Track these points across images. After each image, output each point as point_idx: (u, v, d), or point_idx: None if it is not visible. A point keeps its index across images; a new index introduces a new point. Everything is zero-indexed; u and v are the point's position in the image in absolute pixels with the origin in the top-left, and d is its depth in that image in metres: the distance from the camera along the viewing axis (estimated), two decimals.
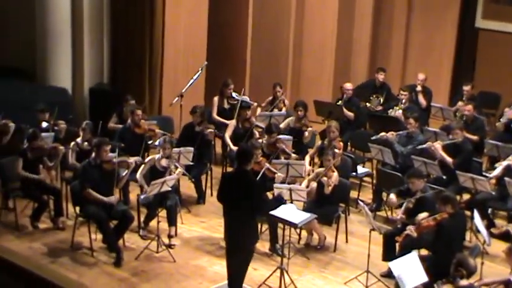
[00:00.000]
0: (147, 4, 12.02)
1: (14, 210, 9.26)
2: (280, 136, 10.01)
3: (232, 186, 7.19)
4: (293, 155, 9.80)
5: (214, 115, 11.59)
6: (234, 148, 10.09)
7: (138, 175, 9.02)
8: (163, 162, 9.10)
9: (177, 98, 11.37)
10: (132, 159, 8.86)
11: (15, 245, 8.72)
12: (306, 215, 8.08)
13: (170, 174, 8.89)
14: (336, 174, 8.88)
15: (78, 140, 9.65)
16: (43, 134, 9.54)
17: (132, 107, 10.47)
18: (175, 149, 9.48)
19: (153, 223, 9.00)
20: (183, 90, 11.42)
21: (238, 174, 7.25)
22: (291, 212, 7.95)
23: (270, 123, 10.35)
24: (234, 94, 11.55)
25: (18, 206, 9.31)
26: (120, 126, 10.51)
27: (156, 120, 10.92)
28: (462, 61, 14.38)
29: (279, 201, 8.37)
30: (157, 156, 9.18)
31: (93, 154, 8.66)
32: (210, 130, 10.20)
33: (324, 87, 13.96)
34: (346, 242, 9.19)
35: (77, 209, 8.79)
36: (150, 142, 10.25)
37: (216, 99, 11.71)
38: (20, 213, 9.34)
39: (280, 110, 11.68)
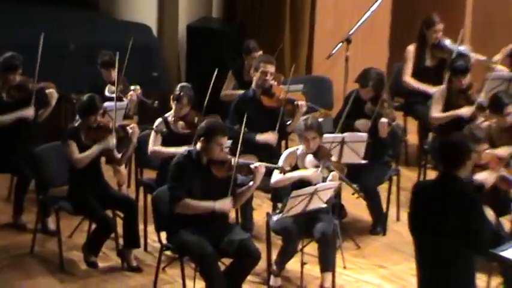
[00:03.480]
0: None
1: (58, 235, 8.58)
2: None
3: (432, 205, 6.63)
4: None
5: (407, 78, 10.94)
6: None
7: (272, 181, 8.45)
8: (309, 161, 8.39)
9: (339, 45, 11.10)
10: (258, 162, 8.30)
11: None
12: None
13: (324, 181, 8.23)
14: None
15: (168, 115, 9.07)
16: (106, 104, 9.17)
17: (260, 60, 9.86)
18: (329, 136, 8.76)
19: (293, 264, 8.33)
20: (350, 33, 11.11)
21: (443, 184, 6.64)
22: None
23: (496, 94, 9.39)
24: (445, 41, 10.86)
25: (64, 228, 8.73)
26: (239, 92, 10.00)
27: (303, 82, 10.36)
28: None
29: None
30: (299, 149, 8.42)
31: (198, 146, 7.93)
32: (383, 120, 9.51)
33: None
34: None
35: (163, 235, 8.09)
36: (288, 123, 9.77)
37: (411, 49, 11.02)
38: (66, 241, 8.83)
39: None
